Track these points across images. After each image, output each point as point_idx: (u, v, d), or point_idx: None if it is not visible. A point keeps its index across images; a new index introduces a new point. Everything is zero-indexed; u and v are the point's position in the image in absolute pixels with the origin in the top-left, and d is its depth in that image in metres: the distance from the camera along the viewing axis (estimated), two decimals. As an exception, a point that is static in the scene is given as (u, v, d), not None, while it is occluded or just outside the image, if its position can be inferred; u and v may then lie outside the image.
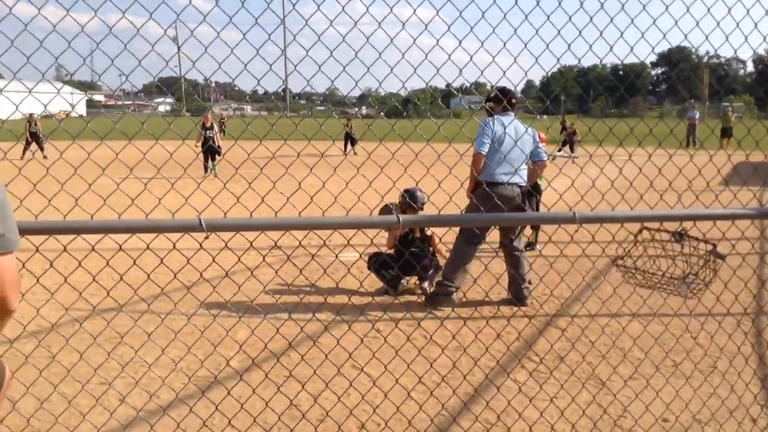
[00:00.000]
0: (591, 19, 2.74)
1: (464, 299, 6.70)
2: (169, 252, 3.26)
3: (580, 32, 2.68)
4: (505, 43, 2.83)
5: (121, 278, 3.14)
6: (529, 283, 6.57)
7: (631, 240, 3.26)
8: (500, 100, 6.57)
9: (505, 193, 6.24)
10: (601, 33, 2.72)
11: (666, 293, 3.36)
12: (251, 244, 3.07)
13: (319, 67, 2.50)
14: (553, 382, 4.62)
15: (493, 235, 6.89)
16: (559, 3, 2.71)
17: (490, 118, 6.49)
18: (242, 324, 5.49)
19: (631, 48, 2.99)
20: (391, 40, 2.63)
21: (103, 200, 2.81)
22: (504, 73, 2.85)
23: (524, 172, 6.50)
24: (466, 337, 5.36)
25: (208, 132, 18.25)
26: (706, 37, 2.99)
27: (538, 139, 6.68)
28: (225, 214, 2.60)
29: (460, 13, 2.73)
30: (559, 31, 2.67)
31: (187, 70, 2.97)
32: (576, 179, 3.36)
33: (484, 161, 6.29)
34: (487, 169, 6.31)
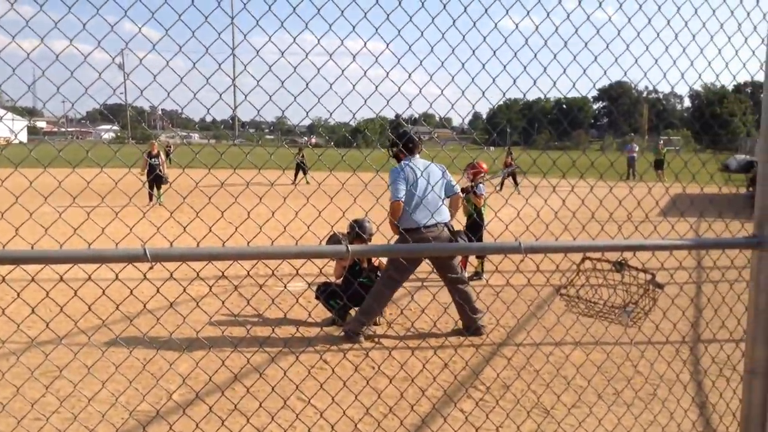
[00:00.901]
0: (535, 55, 2.83)
1: (413, 330, 6.70)
2: (111, 283, 3.19)
3: (525, 68, 2.76)
4: (453, 77, 2.89)
5: (61, 310, 3.06)
6: (482, 312, 6.55)
7: (574, 269, 3.33)
8: (407, 145, 6.45)
9: (431, 236, 6.18)
10: (545, 69, 2.81)
11: (607, 322, 3.44)
12: (198, 274, 3.02)
13: (270, 97, 2.51)
14: (499, 411, 4.65)
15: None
16: (505, 39, 2.79)
17: (399, 165, 6.45)
18: (186, 356, 5.38)
19: (573, 84, 3.09)
20: (342, 72, 2.66)
21: (45, 230, 2.74)
22: (452, 105, 2.91)
23: (445, 210, 6.50)
24: (414, 368, 5.36)
25: (153, 160, 17.99)
26: (645, 74, 3.11)
27: (448, 174, 6.63)
28: (171, 243, 2.56)
29: (410, 47, 2.78)
30: (504, 67, 2.75)
31: (134, 99, 2.93)
32: (521, 210, 3.43)
33: (402, 208, 6.26)
34: (407, 215, 6.27)
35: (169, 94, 2.44)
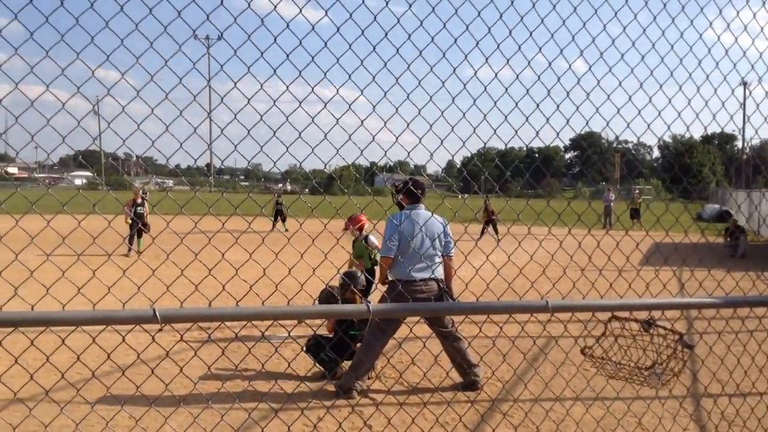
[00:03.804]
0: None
1: (405, 383, 6.45)
2: (117, 345, 3.09)
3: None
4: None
5: (62, 376, 2.95)
6: (477, 366, 6.28)
7: (599, 328, 3.21)
8: (411, 192, 6.25)
9: (418, 289, 5.97)
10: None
11: (637, 384, 3.31)
12: (209, 332, 2.94)
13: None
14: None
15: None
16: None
17: (398, 214, 6.27)
18: (182, 410, 5.15)
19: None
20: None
21: (47, 289, 2.65)
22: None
23: (440, 267, 6.25)
24: (410, 427, 5.11)
25: (138, 208, 17.23)
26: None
27: (449, 231, 6.38)
28: (181, 303, 2.47)
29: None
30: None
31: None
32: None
33: (393, 261, 6.07)
34: (400, 266, 6.05)
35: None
